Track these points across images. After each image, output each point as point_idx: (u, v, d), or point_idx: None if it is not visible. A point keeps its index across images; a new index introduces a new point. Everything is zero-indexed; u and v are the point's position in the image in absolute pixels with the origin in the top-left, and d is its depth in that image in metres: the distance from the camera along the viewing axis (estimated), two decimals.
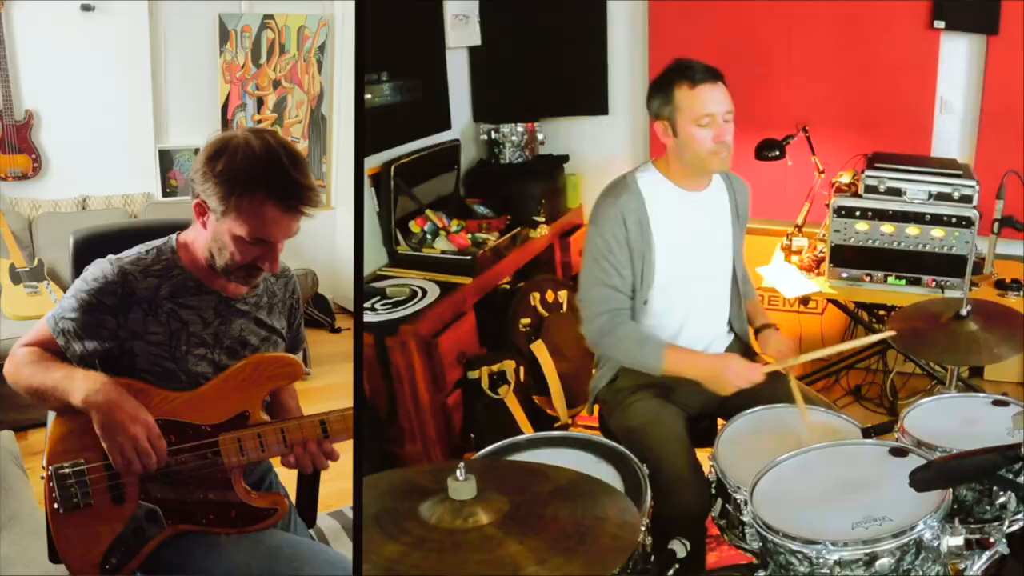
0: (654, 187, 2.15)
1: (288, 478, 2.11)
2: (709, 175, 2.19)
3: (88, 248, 1.89)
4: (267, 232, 1.60)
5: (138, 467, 1.58)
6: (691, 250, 2.18)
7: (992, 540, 1.57)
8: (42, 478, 1.66)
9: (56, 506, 1.61)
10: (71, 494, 1.60)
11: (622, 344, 2.12)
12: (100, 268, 1.67)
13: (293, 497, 2.07)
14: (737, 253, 2.31)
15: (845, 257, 3.08)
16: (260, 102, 4.95)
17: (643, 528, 1.67)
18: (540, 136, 3.90)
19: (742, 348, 2.32)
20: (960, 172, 3.03)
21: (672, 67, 2.10)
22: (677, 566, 1.66)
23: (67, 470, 1.60)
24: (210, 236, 1.65)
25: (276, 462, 2.18)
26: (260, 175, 1.56)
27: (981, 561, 1.57)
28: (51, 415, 1.69)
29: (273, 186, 1.56)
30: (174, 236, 1.75)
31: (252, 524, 1.69)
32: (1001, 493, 1.69)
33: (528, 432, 2.69)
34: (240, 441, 1.66)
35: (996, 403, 1.96)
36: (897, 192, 3.02)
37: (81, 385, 1.59)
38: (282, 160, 1.57)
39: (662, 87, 2.10)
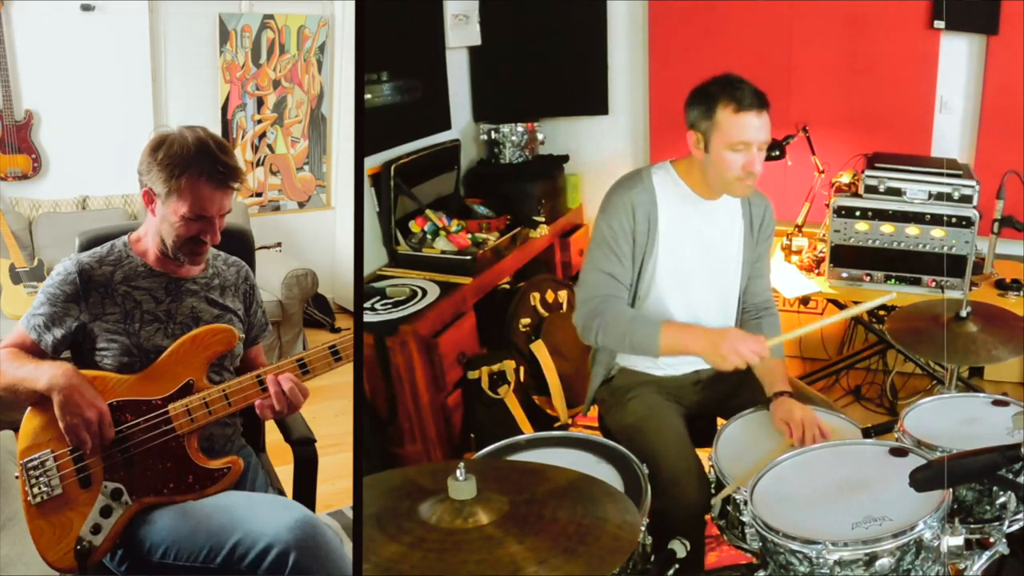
0: (669, 187, 2.10)
1: (286, 479, 2.11)
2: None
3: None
4: (204, 208, 1.85)
5: (90, 446, 1.76)
6: (695, 258, 2.13)
7: (992, 540, 1.58)
8: (16, 477, 1.79)
9: (30, 499, 1.75)
10: (42, 483, 1.76)
11: (613, 326, 2.02)
12: (62, 265, 1.90)
13: (291, 497, 2.08)
14: (754, 270, 2.22)
15: (845, 257, 3.08)
16: (260, 102, 4.95)
17: (643, 528, 1.67)
18: (540, 136, 3.89)
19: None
20: (960, 172, 3.03)
21: (722, 81, 1.99)
22: (677, 566, 1.66)
23: (36, 462, 1.77)
24: (158, 220, 1.89)
25: (275, 459, 2.20)
26: (193, 159, 1.83)
27: (981, 561, 1.58)
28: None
29: (204, 167, 1.83)
30: (127, 235, 1.99)
31: (209, 486, 1.83)
32: (1001, 493, 1.69)
33: (528, 432, 2.69)
34: (188, 407, 1.83)
35: (996, 403, 1.96)
36: (897, 192, 3.02)
37: (46, 372, 1.78)
38: (211, 147, 1.85)
39: (706, 100, 1.99)
